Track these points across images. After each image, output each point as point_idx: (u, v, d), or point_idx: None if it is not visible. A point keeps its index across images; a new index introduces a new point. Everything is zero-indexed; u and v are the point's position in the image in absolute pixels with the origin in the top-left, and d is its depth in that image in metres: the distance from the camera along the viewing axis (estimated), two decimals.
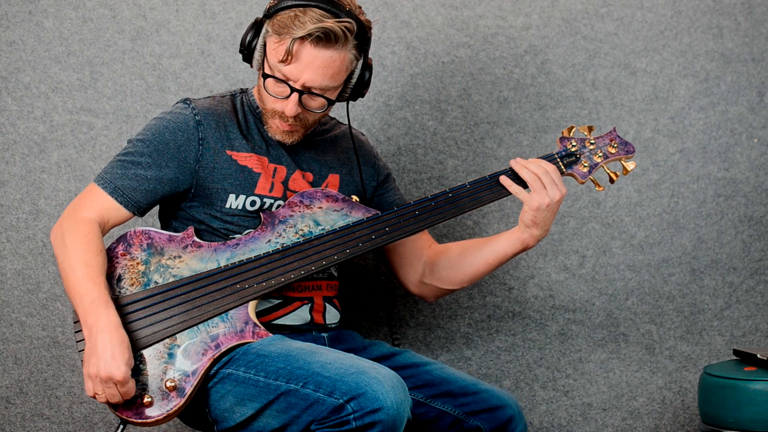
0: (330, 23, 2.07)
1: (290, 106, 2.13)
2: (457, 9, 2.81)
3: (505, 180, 2.21)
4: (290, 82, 2.11)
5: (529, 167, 2.19)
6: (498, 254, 2.27)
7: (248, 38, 2.16)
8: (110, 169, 2.14)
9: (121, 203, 2.12)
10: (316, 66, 2.10)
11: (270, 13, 2.12)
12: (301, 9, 2.08)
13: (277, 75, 2.12)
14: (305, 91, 2.12)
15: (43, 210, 2.70)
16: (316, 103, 2.16)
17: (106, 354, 1.96)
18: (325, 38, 2.08)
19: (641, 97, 2.84)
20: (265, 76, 2.13)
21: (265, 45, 2.14)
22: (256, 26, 2.16)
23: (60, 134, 2.71)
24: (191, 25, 2.74)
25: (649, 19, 2.84)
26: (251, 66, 2.18)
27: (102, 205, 2.12)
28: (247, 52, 2.17)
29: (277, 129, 2.19)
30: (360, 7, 2.15)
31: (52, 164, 2.71)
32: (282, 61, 2.09)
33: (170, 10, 2.74)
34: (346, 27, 2.08)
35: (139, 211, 2.15)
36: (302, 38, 2.07)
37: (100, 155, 2.69)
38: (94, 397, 2.00)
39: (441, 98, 2.81)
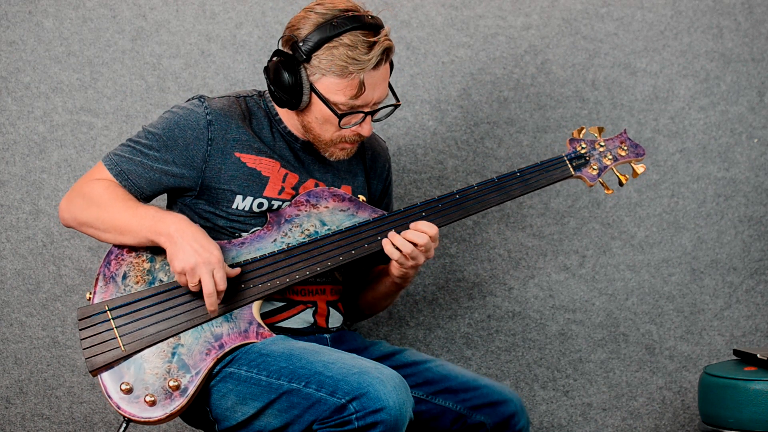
0: (387, 42, 2.07)
1: (368, 128, 2.14)
2: (457, 9, 2.81)
3: (391, 236, 2.15)
4: (363, 109, 2.12)
5: (396, 242, 2.12)
6: (379, 289, 2.31)
7: (288, 81, 2.09)
8: (119, 152, 2.14)
9: (125, 187, 2.12)
10: (381, 81, 2.11)
11: (308, 56, 2.07)
12: (349, 39, 2.05)
13: (348, 110, 2.10)
14: (376, 109, 2.14)
15: (43, 210, 2.69)
16: (382, 112, 2.18)
17: (195, 244, 2.00)
18: (387, 56, 2.09)
19: (641, 97, 2.84)
20: (341, 116, 2.10)
21: (311, 85, 2.09)
22: (290, 68, 2.09)
23: (60, 134, 2.71)
24: (191, 25, 2.74)
25: (649, 19, 2.84)
26: (297, 108, 2.13)
27: None
28: (295, 100, 2.11)
29: (343, 152, 2.18)
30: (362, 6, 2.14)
31: (52, 164, 2.70)
32: (354, 97, 2.09)
33: (170, 10, 2.74)
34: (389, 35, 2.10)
35: (143, 197, 2.14)
36: (373, 67, 2.07)
37: (100, 155, 2.69)
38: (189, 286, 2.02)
39: (441, 98, 2.81)
